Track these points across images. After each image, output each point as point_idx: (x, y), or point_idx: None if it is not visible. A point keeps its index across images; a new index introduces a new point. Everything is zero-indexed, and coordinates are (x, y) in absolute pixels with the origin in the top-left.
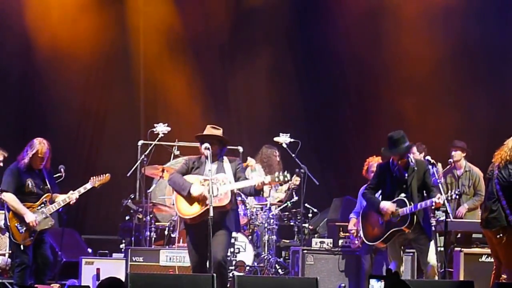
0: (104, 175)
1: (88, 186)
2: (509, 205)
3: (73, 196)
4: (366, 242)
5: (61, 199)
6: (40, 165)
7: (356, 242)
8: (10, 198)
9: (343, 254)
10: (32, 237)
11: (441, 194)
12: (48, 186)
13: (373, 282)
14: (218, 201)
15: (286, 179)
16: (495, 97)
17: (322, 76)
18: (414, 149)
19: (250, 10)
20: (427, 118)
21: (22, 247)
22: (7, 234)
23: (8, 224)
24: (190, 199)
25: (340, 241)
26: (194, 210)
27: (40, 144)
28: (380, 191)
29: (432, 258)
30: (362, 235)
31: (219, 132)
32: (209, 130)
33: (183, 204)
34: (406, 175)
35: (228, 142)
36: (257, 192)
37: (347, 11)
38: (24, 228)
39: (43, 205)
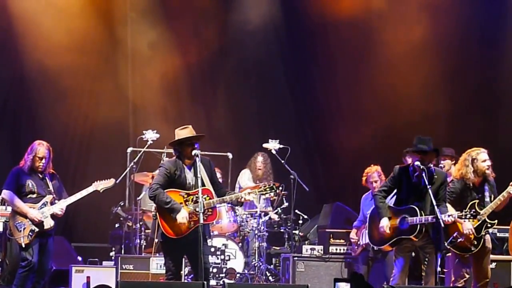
0: (108, 179)
1: (90, 189)
2: None
3: (57, 208)
4: (372, 245)
5: (62, 201)
6: (40, 167)
7: (356, 249)
8: (9, 196)
9: (335, 260)
10: (30, 236)
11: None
12: (51, 188)
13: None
14: (207, 219)
15: (267, 191)
16: (487, 102)
17: (313, 82)
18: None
19: (241, 14)
20: (419, 122)
21: (27, 247)
22: None
23: (8, 222)
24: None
25: (331, 248)
26: (183, 228)
27: (39, 146)
28: (393, 194)
29: (432, 269)
30: (367, 237)
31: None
32: (191, 131)
33: (168, 223)
34: (424, 183)
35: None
36: (239, 203)
37: (337, 26)
38: (24, 227)
39: (43, 205)
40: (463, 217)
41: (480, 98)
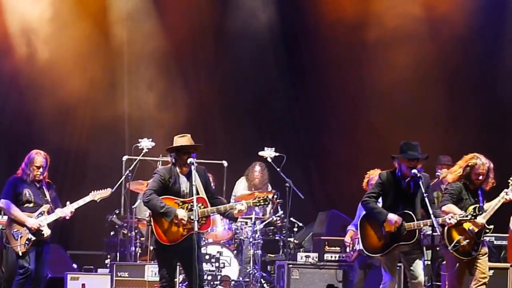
0: (104, 189)
1: (87, 199)
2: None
3: (67, 210)
4: (366, 253)
5: (59, 211)
6: (37, 176)
7: (351, 255)
8: (6, 205)
9: (330, 268)
10: (27, 245)
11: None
12: (48, 198)
13: None
14: (200, 227)
15: (261, 203)
16: (483, 110)
17: (309, 90)
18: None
19: (236, 23)
20: (414, 130)
21: (24, 255)
22: None
23: (5, 230)
24: (170, 224)
25: (326, 255)
26: (176, 235)
27: (36, 155)
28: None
29: (421, 273)
30: (361, 246)
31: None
32: (189, 140)
33: (162, 229)
34: (413, 188)
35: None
36: (234, 219)
37: (335, 32)
38: (20, 236)
39: (40, 215)
40: (465, 217)
41: (479, 100)
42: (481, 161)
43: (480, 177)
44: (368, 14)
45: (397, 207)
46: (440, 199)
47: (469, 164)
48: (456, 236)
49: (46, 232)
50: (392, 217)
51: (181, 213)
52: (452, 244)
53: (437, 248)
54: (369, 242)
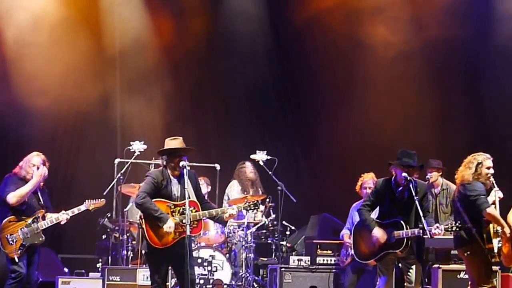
0: (99, 199)
1: (82, 208)
2: (471, 220)
3: (63, 216)
4: (357, 259)
5: (54, 217)
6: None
7: (345, 260)
8: (16, 194)
9: (322, 271)
10: (20, 250)
11: (438, 223)
12: (42, 202)
13: None
14: (191, 231)
15: (251, 207)
16: (473, 110)
17: (301, 92)
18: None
19: (228, 28)
20: (406, 133)
21: (16, 259)
22: None
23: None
24: (162, 228)
25: (318, 259)
26: (168, 239)
27: (36, 156)
28: (377, 208)
29: (416, 278)
30: (352, 252)
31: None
32: (181, 143)
33: (154, 233)
34: (407, 196)
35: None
36: (224, 222)
37: (324, 29)
38: (15, 240)
39: (35, 220)
40: (449, 229)
41: (467, 102)
42: (487, 156)
43: (492, 171)
44: (360, 14)
45: (392, 214)
46: (478, 202)
47: (479, 161)
48: (495, 236)
49: (40, 238)
50: (376, 233)
51: (170, 224)
52: (497, 240)
53: (465, 254)
54: (360, 248)
